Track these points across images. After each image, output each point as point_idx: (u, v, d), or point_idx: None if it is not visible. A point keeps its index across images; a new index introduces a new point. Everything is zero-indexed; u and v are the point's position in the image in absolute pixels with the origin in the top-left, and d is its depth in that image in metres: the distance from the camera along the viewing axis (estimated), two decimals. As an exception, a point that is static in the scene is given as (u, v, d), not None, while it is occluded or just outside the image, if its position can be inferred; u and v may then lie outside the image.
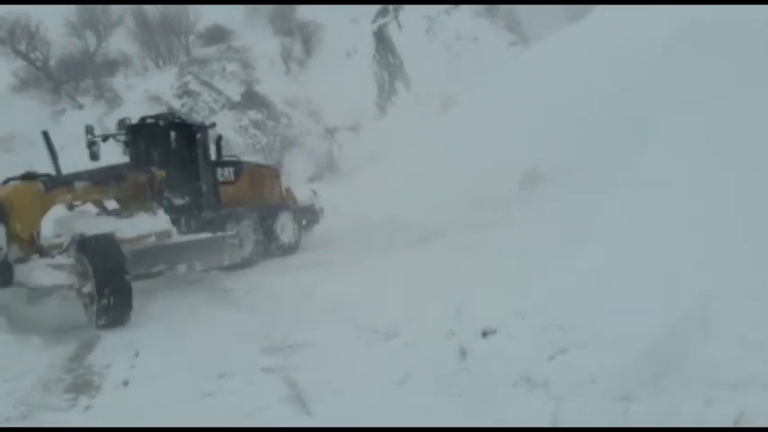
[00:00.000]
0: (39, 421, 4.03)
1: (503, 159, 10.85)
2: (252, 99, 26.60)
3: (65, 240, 6.98)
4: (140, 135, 9.32)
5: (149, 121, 9.36)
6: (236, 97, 26.52)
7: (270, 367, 4.78)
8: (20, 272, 6.55)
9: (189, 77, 26.90)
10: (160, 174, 8.49)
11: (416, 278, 6.15)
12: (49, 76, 27.16)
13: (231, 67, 27.38)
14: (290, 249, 10.89)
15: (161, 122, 9.36)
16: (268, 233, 10.46)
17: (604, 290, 3.59)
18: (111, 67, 28.76)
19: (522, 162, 10.04)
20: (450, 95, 23.47)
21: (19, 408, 4.25)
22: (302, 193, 12.49)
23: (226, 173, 10.20)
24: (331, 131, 26.36)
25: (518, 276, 4.79)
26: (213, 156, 10.10)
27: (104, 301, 6.37)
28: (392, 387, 4.02)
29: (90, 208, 8.24)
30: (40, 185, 7.05)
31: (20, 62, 26.70)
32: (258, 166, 11.87)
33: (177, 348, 5.62)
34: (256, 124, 25.95)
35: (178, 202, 9.18)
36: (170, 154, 9.23)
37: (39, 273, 6.50)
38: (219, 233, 9.13)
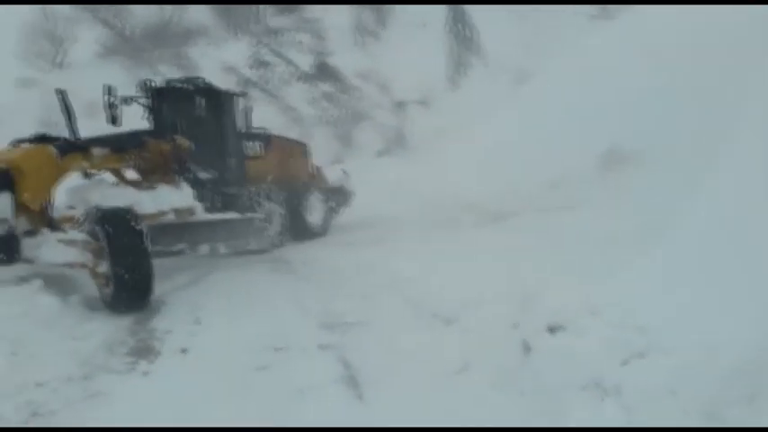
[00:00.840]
0: (99, 382, 4.11)
1: (580, 139, 10.23)
2: (324, 71, 26.59)
3: (79, 213, 6.27)
4: (165, 99, 8.63)
5: (176, 84, 8.72)
6: (309, 69, 26.60)
7: (326, 344, 4.69)
8: (28, 246, 5.88)
9: (262, 48, 27.19)
10: (185, 143, 7.77)
11: (481, 261, 5.91)
12: (130, 44, 28.22)
13: (304, 38, 27.43)
14: (320, 233, 10.38)
15: (188, 87, 8.67)
16: (296, 214, 9.83)
17: (692, 288, 3.18)
18: (188, 36, 29.53)
19: (601, 143, 9.43)
20: (526, 70, 22.50)
21: (82, 368, 4.37)
22: (332, 174, 11.97)
23: (253, 146, 9.56)
24: (401, 105, 26.02)
25: (592, 266, 4.44)
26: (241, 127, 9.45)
27: (121, 282, 5.63)
28: (449, 376, 3.82)
29: (108, 177, 7.57)
30: (53, 150, 6.30)
31: (100, 29, 27.91)
32: (288, 141, 11.11)
33: (238, 318, 5.66)
34: (327, 97, 25.98)
35: (203, 175, 8.44)
36: (196, 122, 8.53)
37: (48, 248, 5.83)
38: (248, 214, 8.56)
